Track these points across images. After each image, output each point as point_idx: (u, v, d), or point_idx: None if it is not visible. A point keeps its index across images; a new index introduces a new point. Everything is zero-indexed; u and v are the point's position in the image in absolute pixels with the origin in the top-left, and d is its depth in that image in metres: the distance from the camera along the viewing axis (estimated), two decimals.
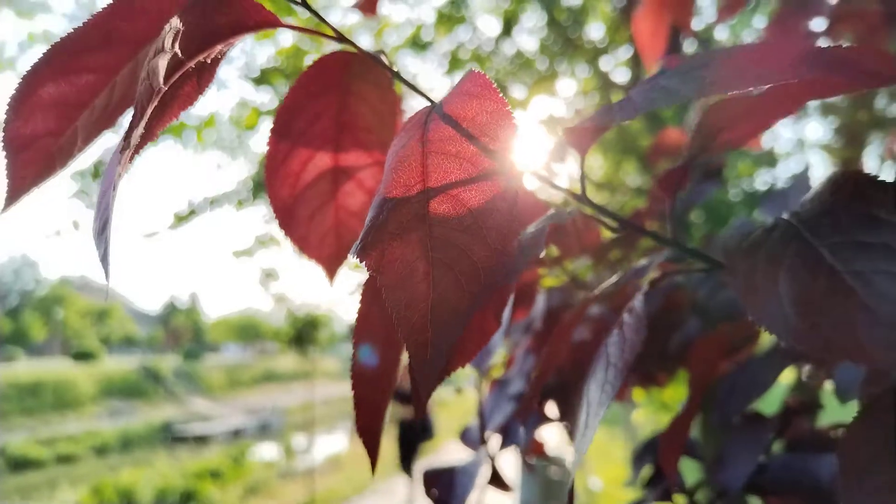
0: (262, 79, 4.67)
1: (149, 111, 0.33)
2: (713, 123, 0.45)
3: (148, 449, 19.88)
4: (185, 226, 5.53)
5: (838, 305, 0.36)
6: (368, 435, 0.48)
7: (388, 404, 0.49)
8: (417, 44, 4.94)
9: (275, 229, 6.16)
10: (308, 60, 4.53)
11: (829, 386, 1.12)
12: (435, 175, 0.34)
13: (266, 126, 5.02)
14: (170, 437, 22.13)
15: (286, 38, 4.61)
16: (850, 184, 0.42)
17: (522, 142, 0.34)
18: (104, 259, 0.34)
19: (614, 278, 0.53)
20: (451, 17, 4.85)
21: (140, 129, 0.33)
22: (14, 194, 0.43)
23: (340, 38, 0.46)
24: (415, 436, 7.61)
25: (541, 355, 1.20)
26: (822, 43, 1.37)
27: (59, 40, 0.41)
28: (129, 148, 0.33)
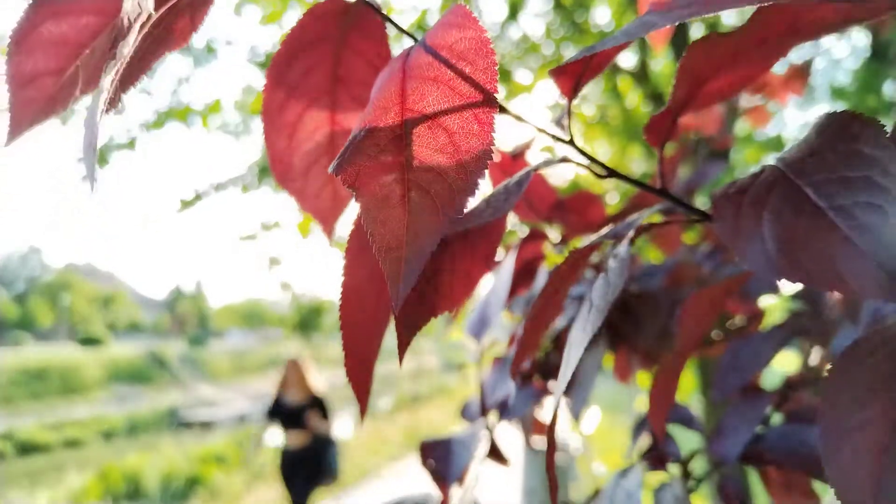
0: (268, 63, 4.66)
1: (136, 29, 0.33)
2: (697, 68, 0.45)
3: (154, 434, 19.98)
4: (191, 212, 5.54)
5: (820, 240, 0.36)
6: (357, 380, 0.48)
7: (377, 352, 0.50)
8: (423, 28, 4.92)
9: (280, 215, 6.16)
10: None
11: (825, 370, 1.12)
12: (412, 98, 0.35)
13: None
14: (175, 422, 22.25)
15: (292, 21, 4.59)
16: (836, 124, 0.42)
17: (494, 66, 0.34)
18: (90, 171, 0.34)
19: (604, 231, 0.54)
20: (456, 2, 4.83)
21: (129, 42, 0.33)
22: (16, 129, 0.43)
23: None
24: (310, 475, 5.59)
25: (559, 347, 1.20)
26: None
27: None
28: (117, 62, 0.33)
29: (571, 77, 0.44)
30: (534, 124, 0.46)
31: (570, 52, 5.15)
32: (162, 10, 0.36)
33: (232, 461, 11.82)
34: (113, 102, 0.35)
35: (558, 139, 0.47)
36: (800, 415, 0.93)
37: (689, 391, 4.12)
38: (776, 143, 5.20)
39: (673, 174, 1.66)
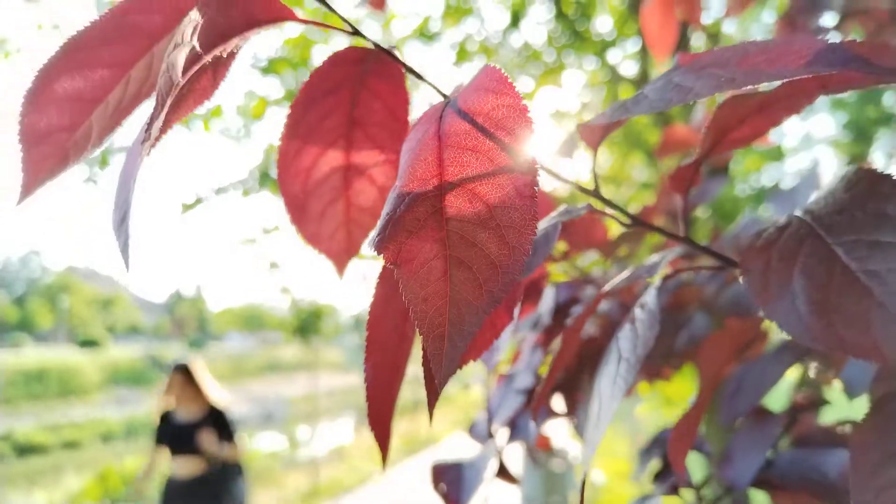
0: (269, 68, 4.66)
1: (168, 104, 0.33)
2: (724, 121, 0.45)
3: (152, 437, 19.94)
4: (192, 215, 5.54)
5: (853, 304, 0.36)
6: (379, 427, 0.48)
7: (397, 396, 0.50)
8: (425, 35, 4.92)
9: (280, 219, 6.16)
10: (315, 51, 4.52)
11: (835, 382, 1.12)
12: (451, 169, 0.34)
13: (273, 116, 5.01)
14: None
15: (293, 27, 4.60)
16: (864, 181, 0.42)
17: (534, 136, 0.34)
18: (124, 250, 0.34)
19: (625, 274, 0.53)
20: (458, 9, 4.83)
21: (160, 122, 0.33)
22: (29, 187, 0.43)
23: (356, 32, 0.46)
24: None
25: (553, 354, 1.20)
26: (833, 39, 1.36)
27: (75, 33, 0.41)
28: (150, 140, 0.33)
29: (597, 132, 0.44)
30: (565, 178, 0.46)
31: (571, 60, 5.16)
32: (188, 74, 0.36)
33: None
34: (139, 170, 0.35)
35: (585, 191, 0.47)
36: (809, 439, 0.93)
37: (686, 399, 4.13)
38: (776, 153, 5.21)
39: (684, 196, 1.66)
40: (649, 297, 0.47)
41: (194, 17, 0.35)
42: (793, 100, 0.45)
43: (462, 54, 4.92)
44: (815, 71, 0.35)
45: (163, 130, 0.37)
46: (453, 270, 0.32)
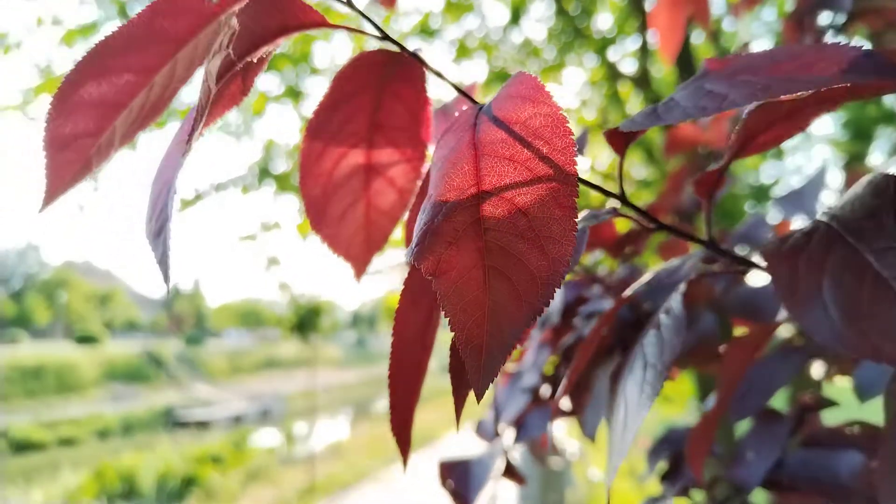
0: (270, 64, 4.65)
1: (207, 112, 0.33)
2: (754, 126, 0.45)
3: (150, 433, 19.98)
4: (191, 211, 5.53)
5: (886, 312, 0.36)
6: (401, 432, 0.48)
7: (416, 403, 0.50)
8: (425, 31, 4.91)
9: (280, 215, 6.15)
10: (316, 46, 4.51)
11: (835, 380, 1.12)
12: (489, 179, 0.34)
13: (272, 112, 5.00)
14: (171, 421, 22.24)
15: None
16: (893, 187, 0.41)
17: (573, 147, 0.34)
18: (163, 262, 0.33)
19: (647, 277, 0.53)
20: (459, 5, 4.82)
21: (199, 131, 0.33)
22: (52, 193, 0.42)
23: (385, 37, 0.45)
24: None
25: (559, 355, 1.20)
26: (835, 39, 1.36)
27: (102, 39, 0.40)
28: (189, 150, 0.33)
29: (624, 137, 0.44)
30: (596, 186, 0.45)
31: (571, 58, 5.15)
32: (222, 81, 0.35)
33: (228, 462, 11.82)
34: (178, 176, 0.34)
35: (609, 194, 0.47)
36: (818, 440, 0.93)
37: (686, 398, 4.14)
38: (775, 150, 5.20)
39: (680, 191, 1.66)
40: (674, 303, 0.47)
41: (233, 24, 0.35)
42: (821, 106, 0.45)
43: (462, 51, 4.91)
44: (851, 79, 0.35)
45: (193, 139, 0.37)
46: (492, 281, 0.32)
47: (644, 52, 4.39)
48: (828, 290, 0.39)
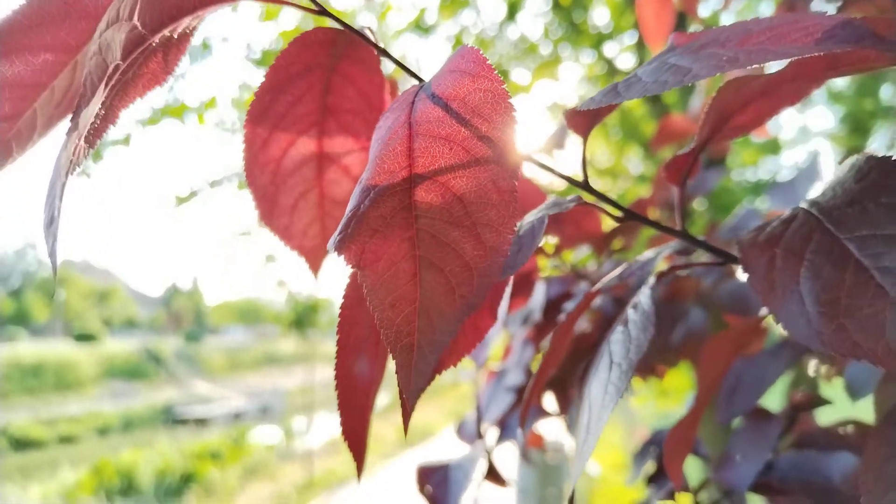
0: (264, 60, 4.62)
1: (101, 89, 0.29)
2: (726, 105, 0.42)
3: (149, 430, 19.98)
4: (187, 208, 5.52)
5: (867, 305, 0.32)
6: (354, 438, 0.45)
7: (373, 407, 0.46)
8: (420, 27, 4.88)
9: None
10: None
11: (834, 380, 1.09)
12: (421, 160, 0.30)
13: None
14: (170, 418, 22.24)
15: (289, 19, 4.55)
16: (876, 171, 0.38)
17: (521, 126, 0.30)
18: (52, 253, 0.30)
19: (618, 271, 0.50)
20: (454, 1, 4.79)
21: (92, 109, 0.29)
22: None
23: (322, 11, 0.42)
24: None
25: (542, 353, 1.18)
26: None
27: (9, 13, 0.37)
28: (80, 131, 0.29)
29: (586, 118, 0.40)
30: (552, 169, 0.42)
31: (567, 53, 5.12)
32: (131, 57, 0.32)
33: (227, 458, 11.81)
34: (75, 165, 0.31)
35: (573, 182, 0.43)
36: (810, 440, 0.90)
37: (683, 391, 4.11)
38: (773, 145, 5.18)
39: (681, 187, 1.62)
40: (643, 297, 0.44)
41: None
42: (799, 82, 0.41)
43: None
44: (826, 48, 0.32)
45: (109, 119, 0.34)
46: (423, 273, 0.29)
47: (641, 47, 4.37)
48: (805, 282, 0.36)
